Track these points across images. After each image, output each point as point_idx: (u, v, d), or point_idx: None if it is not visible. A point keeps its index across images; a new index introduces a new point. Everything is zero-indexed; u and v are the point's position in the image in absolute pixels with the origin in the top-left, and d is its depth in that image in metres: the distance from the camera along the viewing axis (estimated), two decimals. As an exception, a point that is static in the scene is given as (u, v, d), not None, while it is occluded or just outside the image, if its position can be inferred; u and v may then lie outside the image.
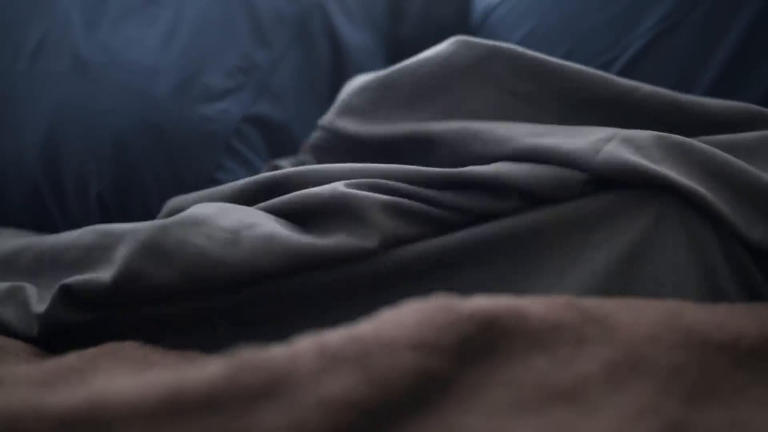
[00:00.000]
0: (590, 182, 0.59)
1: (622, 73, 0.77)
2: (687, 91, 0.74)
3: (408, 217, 0.59)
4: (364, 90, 0.72)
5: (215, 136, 0.82)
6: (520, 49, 0.67)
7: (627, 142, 0.59)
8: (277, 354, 0.41)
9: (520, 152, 0.61)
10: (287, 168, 0.69)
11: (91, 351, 0.56)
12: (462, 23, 0.97)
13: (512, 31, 0.86)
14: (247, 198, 0.65)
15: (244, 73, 0.86)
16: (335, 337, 0.42)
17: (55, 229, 0.84)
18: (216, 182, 0.82)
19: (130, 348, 0.56)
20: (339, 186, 0.59)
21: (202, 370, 0.40)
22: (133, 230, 0.60)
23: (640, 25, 0.78)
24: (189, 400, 0.38)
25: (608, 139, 0.59)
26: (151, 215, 0.81)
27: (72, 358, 0.54)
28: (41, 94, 0.84)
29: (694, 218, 0.57)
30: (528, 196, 0.59)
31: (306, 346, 0.41)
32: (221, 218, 0.59)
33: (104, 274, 0.59)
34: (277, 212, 0.61)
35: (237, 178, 0.82)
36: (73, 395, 0.38)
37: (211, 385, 0.39)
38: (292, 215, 0.61)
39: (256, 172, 0.84)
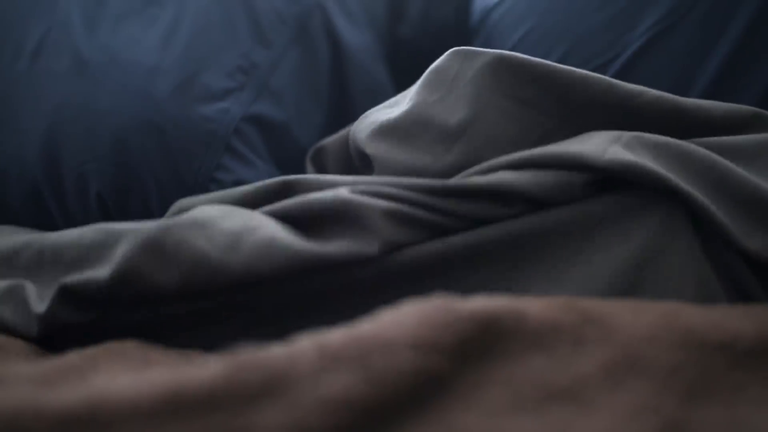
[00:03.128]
0: (593, 184, 0.59)
1: (620, 73, 0.77)
2: (685, 91, 0.74)
3: (410, 224, 0.59)
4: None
5: (215, 136, 0.82)
6: (522, 56, 0.67)
7: (628, 148, 0.59)
8: (276, 353, 0.41)
9: (520, 161, 0.61)
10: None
11: (91, 350, 0.56)
12: (461, 23, 0.97)
13: (510, 32, 0.86)
14: (255, 202, 0.65)
15: (243, 72, 0.86)
16: (335, 336, 0.42)
17: (54, 229, 0.84)
18: (216, 182, 0.82)
19: (130, 347, 0.56)
20: (342, 191, 0.59)
21: (201, 369, 0.40)
22: (134, 229, 0.60)
23: (638, 26, 0.78)
24: (189, 399, 0.38)
25: (612, 142, 0.60)
26: (150, 214, 0.81)
27: (72, 357, 0.54)
28: (41, 93, 0.84)
29: (693, 226, 0.57)
30: (531, 202, 0.59)
31: (306, 345, 0.41)
32: (224, 221, 0.59)
33: (102, 272, 0.58)
34: (280, 216, 0.61)
35: (237, 178, 0.82)
36: (73, 394, 0.38)
37: (210, 384, 0.39)
38: (295, 219, 0.61)
39: (257, 172, 0.84)
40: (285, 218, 0.61)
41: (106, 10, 0.87)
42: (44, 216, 0.84)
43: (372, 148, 0.69)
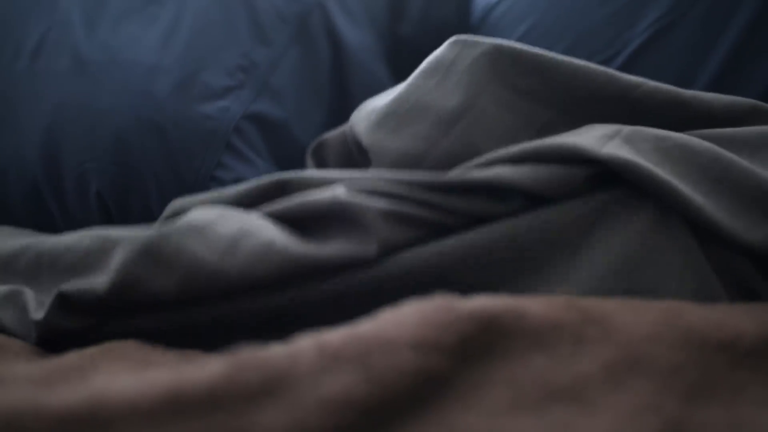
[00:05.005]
0: (593, 178, 0.59)
1: (621, 70, 0.77)
2: (686, 87, 0.74)
3: (408, 223, 0.59)
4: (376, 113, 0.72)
5: (215, 135, 0.82)
6: (521, 45, 0.67)
7: (628, 142, 0.59)
8: (277, 353, 0.41)
9: (519, 154, 0.61)
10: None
11: (91, 350, 0.56)
12: (462, 22, 0.97)
13: (512, 30, 0.86)
14: (250, 202, 0.64)
15: (243, 71, 0.85)
16: (335, 336, 0.42)
17: (54, 228, 0.84)
18: (216, 180, 0.82)
19: (130, 347, 0.56)
20: (339, 192, 0.59)
21: (202, 369, 0.40)
22: (130, 236, 0.60)
23: (639, 23, 0.78)
24: (189, 399, 0.38)
25: (611, 136, 0.59)
26: (150, 213, 0.81)
27: (72, 357, 0.54)
28: (41, 93, 0.84)
29: (688, 225, 0.57)
30: (530, 197, 0.59)
31: (306, 345, 0.41)
32: (220, 225, 0.58)
33: (100, 281, 0.58)
34: (277, 217, 0.61)
35: (237, 176, 0.82)
36: (73, 394, 0.38)
37: (211, 384, 0.39)
38: (292, 220, 0.60)
39: (256, 170, 0.84)
40: (282, 219, 0.60)
41: (106, 9, 0.87)
42: (44, 216, 0.84)
43: (368, 138, 0.69)
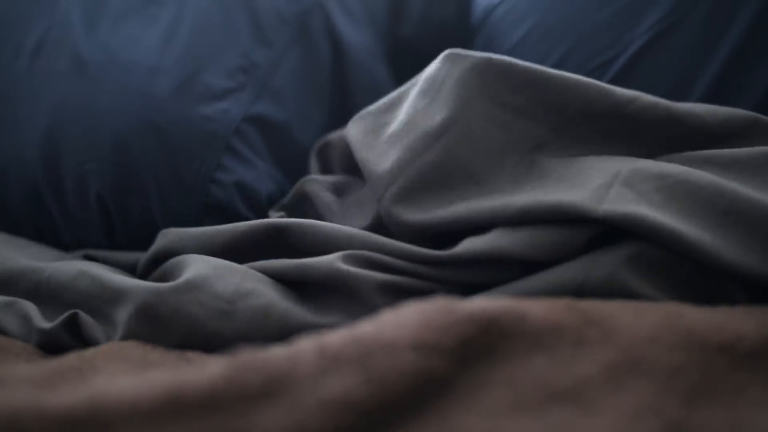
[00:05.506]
0: (594, 238, 0.56)
1: (621, 72, 0.77)
2: (686, 90, 0.74)
3: (406, 295, 0.57)
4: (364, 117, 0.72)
5: (215, 136, 0.82)
6: (512, 60, 0.66)
7: (628, 187, 0.57)
8: (277, 354, 0.41)
9: (517, 214, 0.58)
10: (276, 217, 0.71)
11: (91, 351, 0.56)
12: (462, 23, 0.97)
13: (512, 31, 0.86)
14: (246, 245, 0.65)
15: (244, 72, 0.85)
16: (336, 337, 0.42)
17: (54, 228, 0.84)
18: (215, 182, 0.81)
19: (130, 348, 0.56)
20: (336, 262, 0.59)
21: (202, 370, 0.40)
22: (129, 290, 0.60)
23: (639, 25, 0.77)
24: (189, 400, 0.38)
25: (609, 186, 0.57)
26: (150, 215, 0.81)
27: (72, 358, 0.54)
28: (41, 93, 0.84)
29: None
30: (529, 263, 0.57)
31: (306, 346, 0.41)
32: (217, 283, 0.58)
33: (108, 335, 0.61)
34: (274, 276, 0.61)
35: (237, 178, 0.82)
36: (73, 395, 0.38)
37: (211, 385, 0.39)
38: (289, 282, 0.61)
39: (257, 172, 0.84)
40: (279, 279, 0.61)
41: (106, 9, 0.87)
42: (44, 216, 0.84)
43: (359, 154, 0.69)
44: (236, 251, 0.65)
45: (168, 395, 0.38)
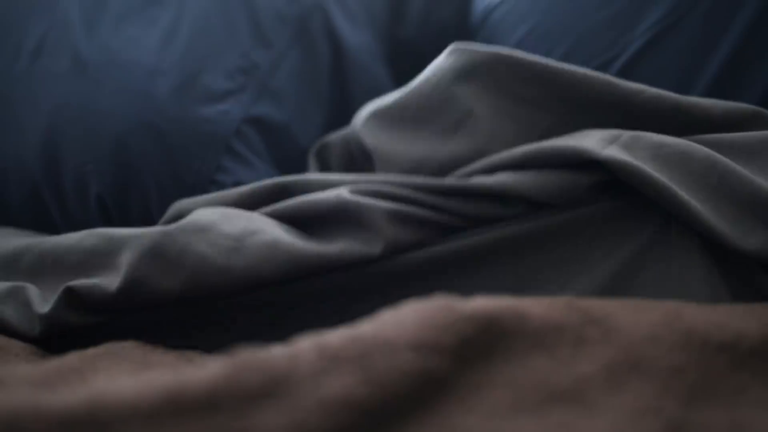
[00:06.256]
0: (596, 186, 0.59)
1: (622, 72, 0.77)
2: (686, 90, 0.74)
3: (412, 224, 0.59)
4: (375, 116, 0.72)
5: (215, 137, 0.82)
6: (521, 53, 0.67)
7: (626, 148, 0.59)
8: (277, 354, 0.41)
9: (521, 159, 0.61)
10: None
11: (91, 351, 0.56)
12: (462, 23, 0.97)
13: (512, 31, 0.86)
14: (252, 203, 0.65)
15: (244, 73, 0.85)
16: (335, 337, 0.42)
17: (54, 229, 0.84)
18: (216, 183, 0.81)
19: (130, 348, 0.56)
20: (344, 192, 0.59)
21: (202, 370, 0.40)
22: (136, 236, 0.60)
23: (639, 25, 0.78)
24: (189, 400, 0.38)
25: (610, 141, 0.59)
26: (150, 216, 0.81)
27: (72, 358, 0.54)
28: (41, 94, 0.84)
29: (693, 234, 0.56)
30: (533, 203, 0.59)
31: (306, 346, 0.41)
32: (225, 224, 0.59)
33: (110, 281, 0.59)
34: (281, 217, 0.61)
35: (237, 179, 0.82)
36: (73, 395, 0.38)
37: (211, 385, 0.39)
38: (296, 220, 0.61)
39: (257, 173, 0.84)
40: (285, 219, 0.61)
41: (106, 10, 0.87)
42: (44, 216, 0.84)
43: (372, 142, 0.69)
44: (244, 209, 0.65)
45: (168, 395, 0.38)
